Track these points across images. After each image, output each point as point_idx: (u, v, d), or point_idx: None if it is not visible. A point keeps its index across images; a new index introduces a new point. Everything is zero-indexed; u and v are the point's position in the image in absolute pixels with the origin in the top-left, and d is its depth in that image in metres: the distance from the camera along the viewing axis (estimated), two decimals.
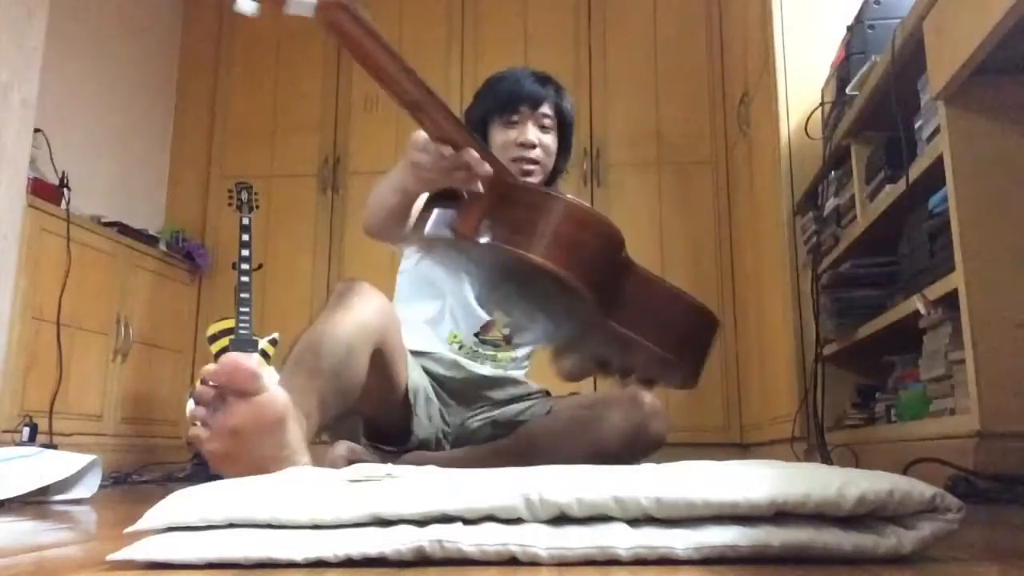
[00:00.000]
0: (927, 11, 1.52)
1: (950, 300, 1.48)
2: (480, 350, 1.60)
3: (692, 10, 3.78)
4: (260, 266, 3.48)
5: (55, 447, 2.35)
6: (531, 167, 1.56)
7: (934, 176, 1.55)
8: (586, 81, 3.74)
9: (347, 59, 3.89)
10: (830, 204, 2.23)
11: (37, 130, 2.76)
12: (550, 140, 1.60)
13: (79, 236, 2.86)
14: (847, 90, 2.06)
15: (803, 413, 2.23)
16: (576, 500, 0.64)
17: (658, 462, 0.82)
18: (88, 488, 1.49)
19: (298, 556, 0.61)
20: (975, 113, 1.45)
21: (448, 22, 3.88)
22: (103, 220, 3.16)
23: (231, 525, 0.65)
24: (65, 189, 2.89)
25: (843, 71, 2.13)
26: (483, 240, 1.04)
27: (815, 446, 2.08)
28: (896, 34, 1.70)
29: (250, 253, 3.32)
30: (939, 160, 1.50)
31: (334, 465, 1.29)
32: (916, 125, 1.70)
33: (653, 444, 1.47)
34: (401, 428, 1.47)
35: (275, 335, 3.19)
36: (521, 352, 1.66)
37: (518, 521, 0.64)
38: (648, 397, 1.47)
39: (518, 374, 1.66)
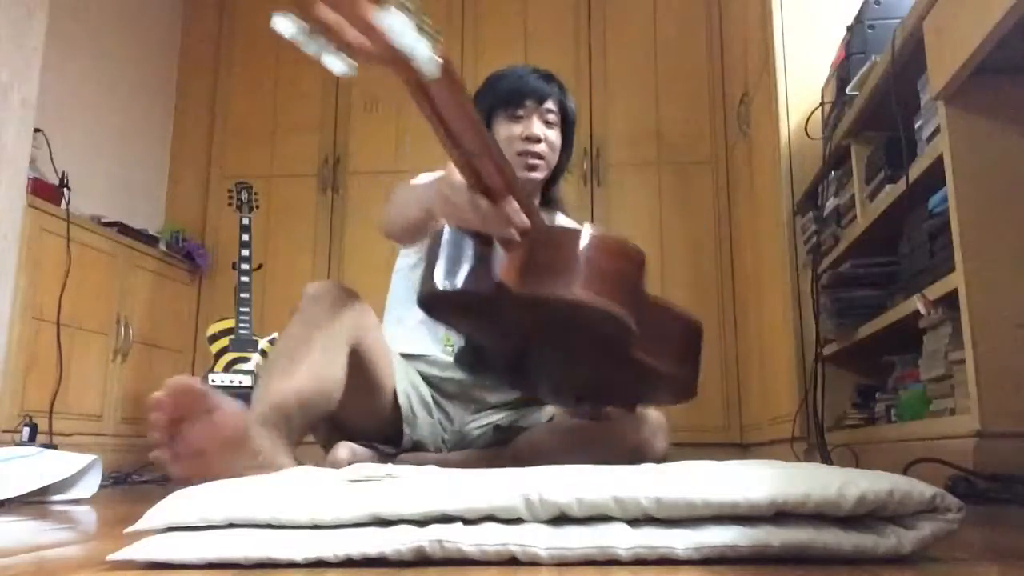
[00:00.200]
0: (927, 11, 1.52)
1: (950, 300, 1.48)
2: None
3: (692, 10, 3.78)
4: (260, 266, 3.48)
5: (55, 447, 2.35)
6: (536, 161, 1.55)
7: (934, 176, 1.55)
8: (586, 81, 3.74)
9: None
10: (830, 204, 2.23)
11: (37, 130, 2.76)
12: (555, 136, 1.59)
13: (79, 236, 2.86)
14: (847, 90, 2.06)
15: (803, 413, 2.23)
16: (576, 500, 0.64)
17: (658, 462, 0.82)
18: (88, 488, 1.49)
19: (298, 556, 0.61)
20: (975, 113, 1.45)
21: (448, 22, 3.88)
22: (103, 220, 3.16)
23: (231, 525, 0.65)
24: (65, 189, 2.89)
25: (843, 71, 2.13)
26: (531, 291, 0.94)
27: (815, 446, 2.08)
28: (896, 34, 1.70)
29: (250, 253, 3.33)
30: (939, 160, 1.50)
31: (335, 466, 1.29)
32: (916, 125, 1.70)
33: (655, 461, 1.46)
34: (396, 431, 1.47)
35: (275, 335, 3.18)
36: None
37: (518, 521, 0.64)
38: (654, 412, 1.46)
39: None
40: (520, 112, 1.56)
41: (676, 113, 3.71)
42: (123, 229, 3.20)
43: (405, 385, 1.47)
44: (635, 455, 1.41)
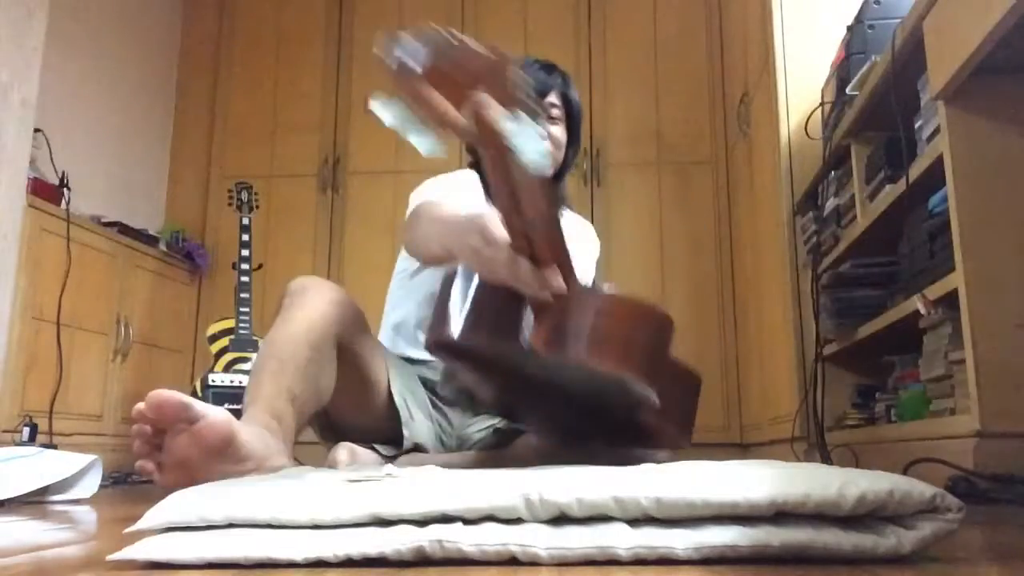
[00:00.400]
0: (927, 11, 1.52)
1: (950, 300, 1.48)
2: None
3: (692, 10, 3.78)
4: (260, 266, 3.48)
5: (55, 447, 2.35)
6: None
7: (934, 176, 1.55)
8: (586, 80, 3.74)
9: (347, 59, 3.90)
10: (830, 204, 2.23)
11: (37, 130, 2.76)
12: (559, 131, 1.54)
13: (79, 236, 2.86)
14: (847, 90, 2.06)
15: (803, 413, 2.23)
16: (576, 500, 0.64)
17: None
18: (88, 488, 1.49)
19: (298, 556, 0.61)
20: (975, 113, 1.45)
21: (448, 22, 3.88)
22: (103, 220, 3.16)
23: (231, 525, 0.65)
24: (65, 189, 2.89)
25: (843, 71, 2.13)
26: (560, 359, 0.88)
27: (815, 446, 2.08)
28: (896, 34, 1.70)
29: (250, 253, 3.33)
30: (939, 160, 1.50)
31: (333, 467, 1.29)
32: (916, 125, 1.70)
33: (655, 461, 1.46)
34: (396, 433, 1.47)
35: None
36: None
37: (518, 521, 0.64)
38: None
39: None
40: None
41: (676, 113, 3.71)
42: (123, 229, 3.20)
43: (400, 387, 1.47)
44: (635, 456, 1.41)
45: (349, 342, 1.30)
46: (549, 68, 1.56)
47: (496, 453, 1.51)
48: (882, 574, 0.57)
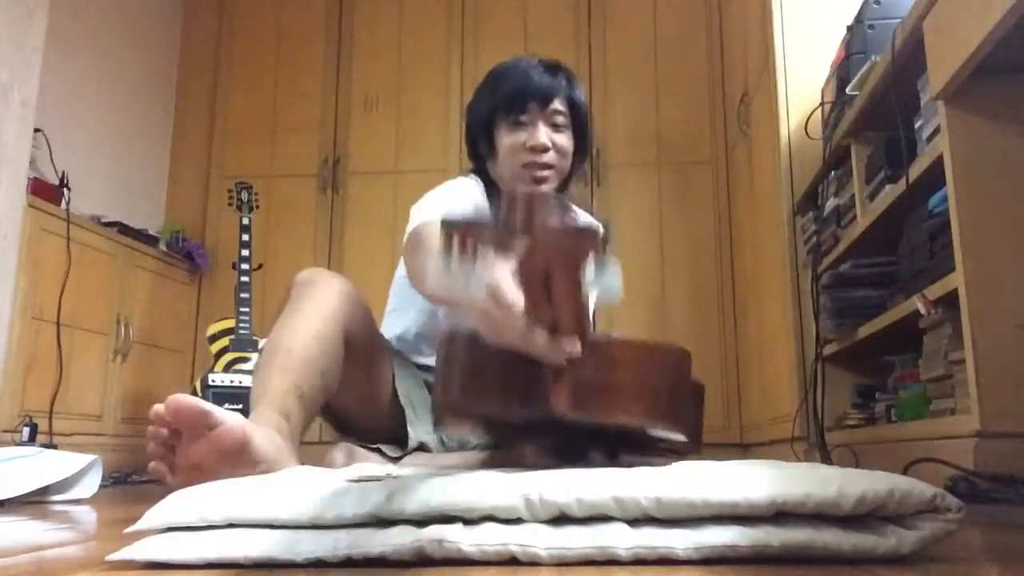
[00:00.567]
0: (927, 11, 1.52)
1: (950, 300, 1.48)
2: None
3: (692, 10, 3.78)
4: (260, 266, 3.48)
5: (55, 447, 2.36)
6: (544, 173, 1.44)
7: (934, 176, 1.55)
8: (586, 81, 3.74)
9: (347, 59, 3.90)
10: (830, 204, 2.23)
11: (37, 130, 2.76)
12: (564, 140, 1.46)
13: (79, 236, 2.86)
14: (847, 90, 2.06)
15: (803, 413, 2.23)
16: (576, 500, 0.64)
17: None
18: (88, 488, 1.48)
19: (298, 556, 0.61)
20: (975, 113, 1.45)
21: (448, 22, 3.88)
22: (103, 220, 3.16)
23: (231, 525, 0.65)
24: (65, 189, 2.89)
25: (843, 71, 2.13)
26: (585, 417, 0.83)
27: (815, 446, 2.08)
28: (896, 34, 1.70)
29: (250, 253, 3.33)
30: (939, 160, 1.50)
31: (334, 466, 1.29)
32: (916, 125, 1.70)
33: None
34: (398, 432, 1.47)
35: None
36: None
37: (518, 521, 0.64)
38: None
39: None
40: (523, 117, 1.43)
41: (676, 113, 3.71)
42: (123, 229, 3.20)
43: (405, 387, 1.46)
44: (637, 463, 1.40)
45: (357, 336, 1.28)
46: (554, 69, 1.49)
47: (501, 453, 1.51)
48: (882, 574, 0.57)
